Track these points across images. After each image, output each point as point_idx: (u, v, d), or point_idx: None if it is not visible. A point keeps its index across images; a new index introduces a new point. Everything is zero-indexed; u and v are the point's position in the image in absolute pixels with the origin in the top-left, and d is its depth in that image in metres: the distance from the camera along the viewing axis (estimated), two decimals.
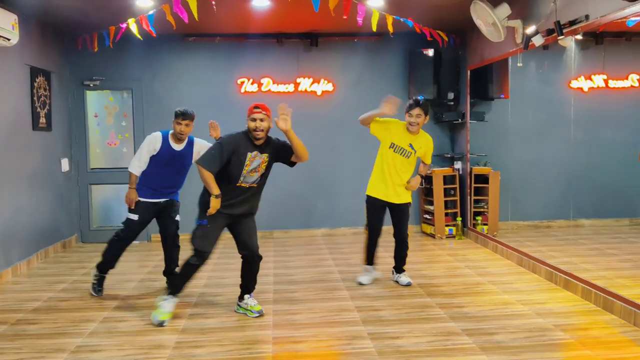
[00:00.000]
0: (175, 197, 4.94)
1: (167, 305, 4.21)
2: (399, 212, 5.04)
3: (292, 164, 4.30)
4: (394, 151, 4.90)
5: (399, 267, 5.20)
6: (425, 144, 5.01)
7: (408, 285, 5.07)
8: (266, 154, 4.15)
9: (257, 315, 4.32)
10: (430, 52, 7.33)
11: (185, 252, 4.45)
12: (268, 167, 4.22)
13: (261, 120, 4.05)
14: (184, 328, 4.06)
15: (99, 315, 4.39)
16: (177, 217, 4.94)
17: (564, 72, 6.09)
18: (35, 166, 6.31)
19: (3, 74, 5.64)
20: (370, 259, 5.16)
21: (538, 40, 5.10)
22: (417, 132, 4.94)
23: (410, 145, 4.91)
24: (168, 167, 4.78)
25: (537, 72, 6.72)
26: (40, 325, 4.17)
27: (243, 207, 4.21)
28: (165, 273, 5.11)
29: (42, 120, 6.46)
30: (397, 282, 5.17)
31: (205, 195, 4.16)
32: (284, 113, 3.99)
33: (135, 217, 4.79)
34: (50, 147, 6.71)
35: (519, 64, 6.04)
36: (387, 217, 5.04)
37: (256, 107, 4.08)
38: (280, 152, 4.21)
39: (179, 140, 4.76)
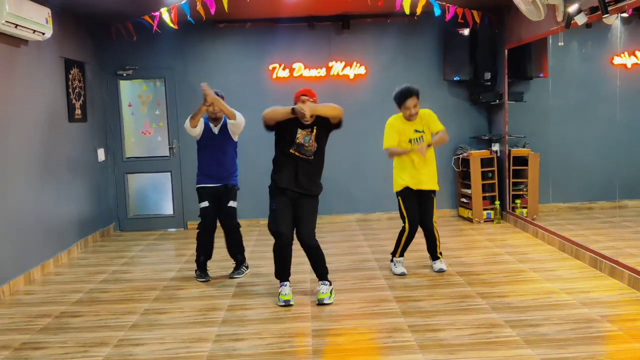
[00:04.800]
0: (231, 182, 5.05)
1: (282, 290, 4.37)
2: (424, 199, 4.96)
3: (336, 126, 4.33)
4: (411, 144, 4.87)
5: (432, 255, 5.15)
6: (423, 118, 4.89)
7: (440, 271, 5.02)
8: (315, 127, 4.27)
9: (327, 303, 4.33)
10: (466, 32, 7.13)
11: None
12: (320, 140, 4.29)
13: None
14: (224, 320, 4.07)
15: (140, 307, 4.44)
16: (232, 204, 5.04)
17: (607, 49, 5.84)
18: (72, 157, 6.39)
19: (39, 68, 5.69)
20: (404, 252, 5.09)
21: (581, 19, 4.88)
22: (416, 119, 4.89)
23: (416, 131, 4.88)
24: (210, 148, 4.99)
25: (578, 51, 6.47)
26: (83, 318, 4.24)
27: (297, 180, 4.26)
28: (231, 255, 5.28)
29: (78, 111, 6.52)
30: (431, 267, 5.14)
31: (271, 182, 4.38)
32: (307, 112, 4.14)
33: (204, 204, 5.02)
34: (86, 137, 6.79)
35: (560, 44, 5.82)
36: None
37: (303, 94, 4.20)
38: (325, 120, 4.28)
39: (215, 121, 4.99)
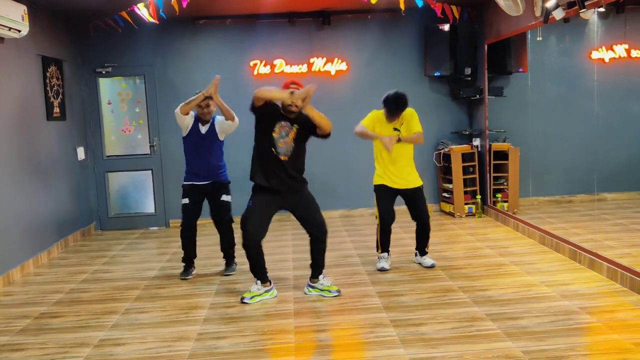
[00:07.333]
0: (221, 178, 5.04)
1: (252, 288, 4.40)
2: (413, 196, 4.96)
3: (321, 136, 4.30)
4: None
5: (421, 250, 5.15)
6: (404, 117, 4.85)
7: (432, 266, 5.03)
8: (296, 125, 4.24)
9: (336, 294, 4.37)
10: (446, 27, 7.16)
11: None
12: (298, 141, 4.26)
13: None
14: (206, 318, 4.05)
15: (121, 306, 4.40)
16: (225, 198, 5.04)
17: (585, 44, 5.91)
18: (52, 156, 6.31)
19: (15, 66, 5.61)
20: (385, 247, 5.10)
21: (558, 14, 4.92)
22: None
23: (394, 129, 4.87)
24: (197, 149, 4.96)
25: (556, 45, 6.53)
26: (63, 319, 4.19)
27: (279, 180, 4.25)
28: (222, 250, 5.25)
29: (56, 110, 6.43)
30: (420, 264, 5.13)
31: (253, 179, 4.32)
32: (302, 94, 4.09)
33: (185, 200, 5.01)
34: (65, 136, 6.70)
35: (538, 38, 5.86)
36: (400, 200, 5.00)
37: (293, 82, 4.21)
38: (309, 124, 4.24)
39: (204, 122, 4.94)
